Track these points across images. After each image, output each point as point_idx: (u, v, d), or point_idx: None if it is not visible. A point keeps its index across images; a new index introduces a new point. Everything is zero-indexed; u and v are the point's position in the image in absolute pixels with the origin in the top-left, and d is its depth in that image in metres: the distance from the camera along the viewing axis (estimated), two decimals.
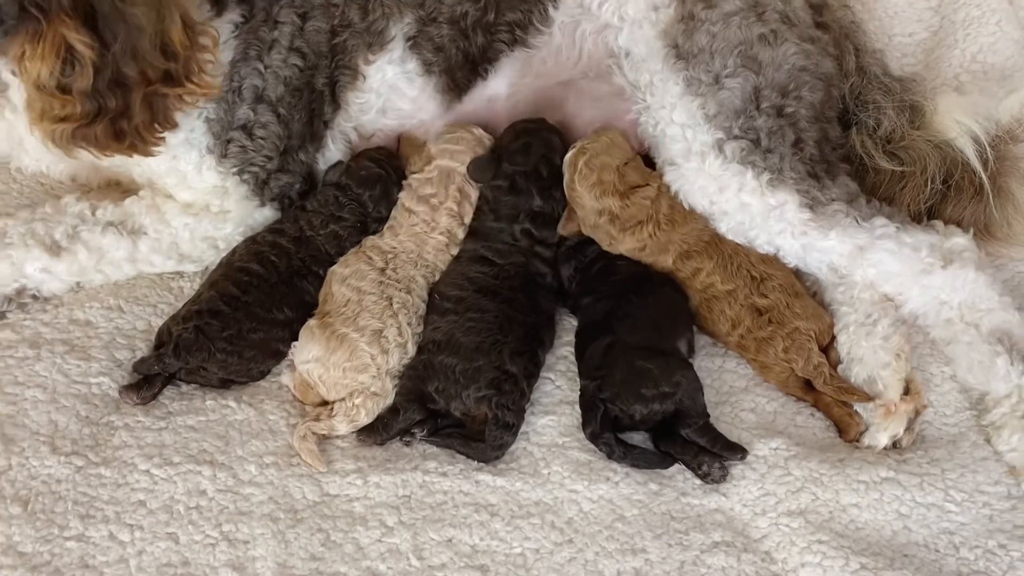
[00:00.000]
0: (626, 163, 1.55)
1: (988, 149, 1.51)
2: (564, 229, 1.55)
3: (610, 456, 1.33)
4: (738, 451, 1.33)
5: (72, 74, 1.26)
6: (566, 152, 1.56)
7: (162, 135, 1.37)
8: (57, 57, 1.25)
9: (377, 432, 1.35)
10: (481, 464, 1.33)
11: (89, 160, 1.58)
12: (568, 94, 1.64)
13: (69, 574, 1.18)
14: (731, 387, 1.46)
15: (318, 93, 1.54)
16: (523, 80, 1.63)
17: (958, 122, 1.53)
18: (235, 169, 1.50)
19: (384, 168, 1.57)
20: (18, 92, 1.40)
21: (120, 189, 1.65)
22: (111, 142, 1.34)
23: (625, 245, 1.53)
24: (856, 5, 1.87)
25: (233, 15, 1.46)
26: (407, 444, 1.36)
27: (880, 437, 1.35)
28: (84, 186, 1.68)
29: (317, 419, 1.34)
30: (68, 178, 1.67)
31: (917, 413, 1.38)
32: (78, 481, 1.27)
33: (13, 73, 1.35)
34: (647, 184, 1.54)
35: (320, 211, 1.54)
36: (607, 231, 1.53)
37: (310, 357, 1.37)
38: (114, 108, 1.31)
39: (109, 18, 1.25)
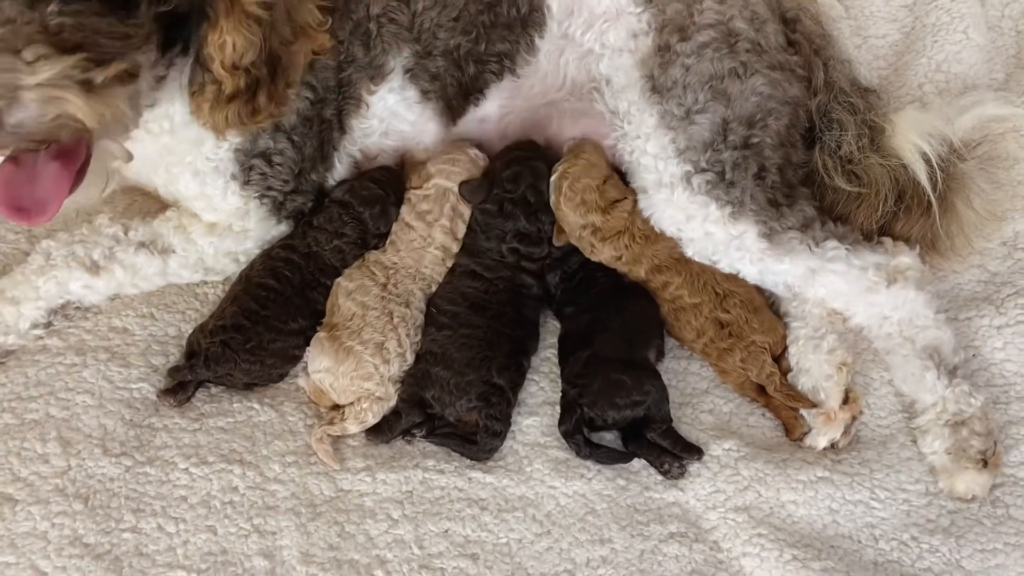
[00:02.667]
0: (605, 181, 1.67)
1: (938, 171, 1.59)
2: (557, 241, 1.69)
3: (578, 453, 1.50)
4: (695, 452, 1.50)
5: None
6: (551, 176, 1.67)
7: (292, 96, 1.40)
8: (248, 27, 1.27)
9: (383, 432, 1.52)
10: (473, 462, 1.51)
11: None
12: (553, 114, 1.73)
13: (127, 562, 1.34)
14: (693, 388, 1.62)
15: (327, 122, 1.63)
16: (512, 103, 1.72)
17: (913, 144, 1.61)
18: (256, 193, 1.60)
19: (385, 189, 1.67)
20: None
21: (139, 192, 1.76)
22: (267, 108, 1.37)
23: (604, 254, 1.67)
24: (837, 5, 1.94)
25: None
26: (408, 442, 1.53)
27: (819, 440, 1.52)
28: None
29: (331, 423, 1.50)
30: None
31: (854, 419, 1.53)
32: (128, 479, 1.42)
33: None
34: (625, 198, 1.68)
35: (325, 227, 1.66)
36: (589, 241, 1.67)
37: (321, 368, 1.53)
38: (266, 75, 1.35)
39: None
